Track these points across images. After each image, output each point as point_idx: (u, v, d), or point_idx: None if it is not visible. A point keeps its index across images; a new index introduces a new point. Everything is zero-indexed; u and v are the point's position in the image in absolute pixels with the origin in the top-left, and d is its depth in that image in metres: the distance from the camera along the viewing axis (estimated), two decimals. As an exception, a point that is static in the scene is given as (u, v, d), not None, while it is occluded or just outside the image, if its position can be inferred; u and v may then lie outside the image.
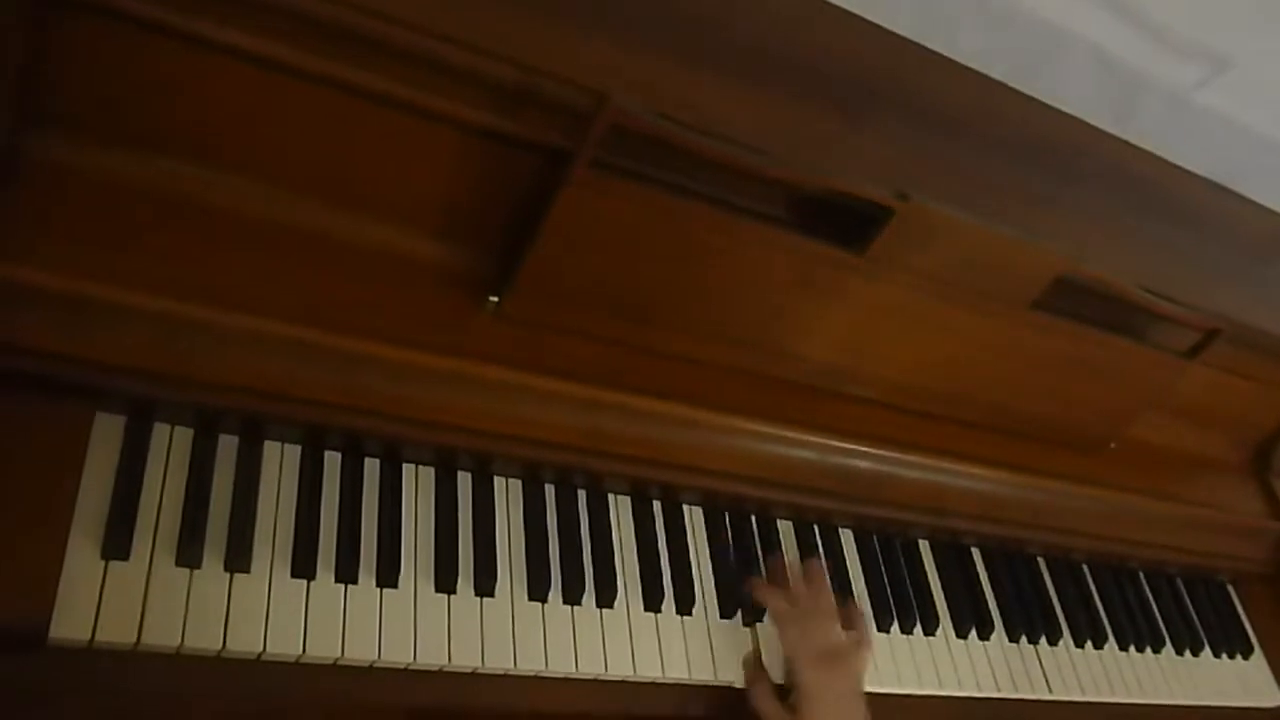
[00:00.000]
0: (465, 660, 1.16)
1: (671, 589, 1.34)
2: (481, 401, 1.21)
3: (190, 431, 1.15)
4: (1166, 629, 1.77)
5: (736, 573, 1.39)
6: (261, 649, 1.07)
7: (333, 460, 1.21)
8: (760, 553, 1.44)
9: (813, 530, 1.50)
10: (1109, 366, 1.56)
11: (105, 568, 1.04)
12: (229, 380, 1.09)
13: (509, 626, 1.21)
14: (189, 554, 1.07)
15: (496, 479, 1.30)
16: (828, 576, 1.44)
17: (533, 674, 1.21)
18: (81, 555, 1.03)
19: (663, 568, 1.35)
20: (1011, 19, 1.54)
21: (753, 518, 1.46)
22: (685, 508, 1.42)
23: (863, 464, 1.46)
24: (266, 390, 1.10)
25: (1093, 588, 1.75)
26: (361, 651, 1.12)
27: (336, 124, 1.13)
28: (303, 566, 1.13)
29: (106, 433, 1.09)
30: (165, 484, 1.11)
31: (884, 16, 1.42)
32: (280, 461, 1.19)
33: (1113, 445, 1.68)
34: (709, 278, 1.28)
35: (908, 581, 1.54)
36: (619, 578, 1.31)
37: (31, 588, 0.98)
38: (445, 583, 1.19)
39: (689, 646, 1.31)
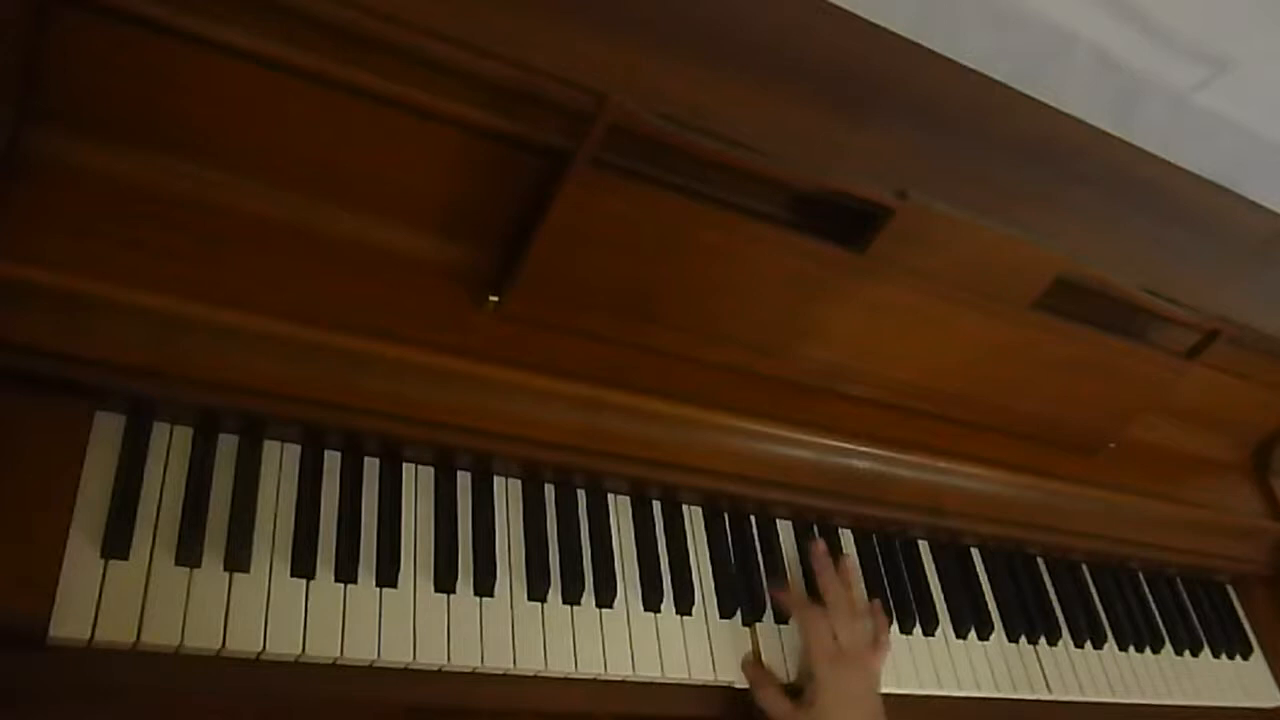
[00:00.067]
0: (464, 660, 1.16)
1: (671, 589, 1.34)
2: (481, 400, 1.21)
3: (190, 430, 1.15)
4: (1166, 629, 1.77)
5: (736, 573, 1.39)
6: (261, 648, 1.07)
7: (332, 459, 1.21)
8: (759, 553, 1.44)
9: (812, 530, 1.50)
10: (1109, 367, 1.56)
11: (105, 567, 1.04)
12: (229, 379, 1.09)
13: (508, 626, 1.21)
14: (189, 553, 1.07)
15: (496, 478, 1.30)
16: (860, 574, 1.46)
17: (532, 674, 1.20)
18: (81, 554, 1.03)
19: (662, 568, 1.35)
20: (1013, 20, 1.54)
21: (752, 518, 1.46)
22: (685, 508, 1.42)
23: (862, 464, 1.46)
24: (266, 389, 1.11)
25: (1092, 588, 1.75)
26: (361, 651, 1.11)
27: (337, 123, 1.13)
28: (302, 566, 1.13)
29: (106, 432, 1.09)
30: (165, 483, 1.11)
31: (885, 17, 1.42)
32: (280, 461, 1.18)
33: (1112, 445, 1.68)
34: (709, 277, 1.28)
35: (907, 581, 1.54)
36: (618, 578, 1.31)
37: (31, 587, 0.98)
38: (445, 582, 1.19)
39: (688, 646, 1.31)
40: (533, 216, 1.20)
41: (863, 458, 1.46)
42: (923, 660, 1.47)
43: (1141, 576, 1.84)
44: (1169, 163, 1.68)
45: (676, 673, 1.28)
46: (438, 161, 1.18)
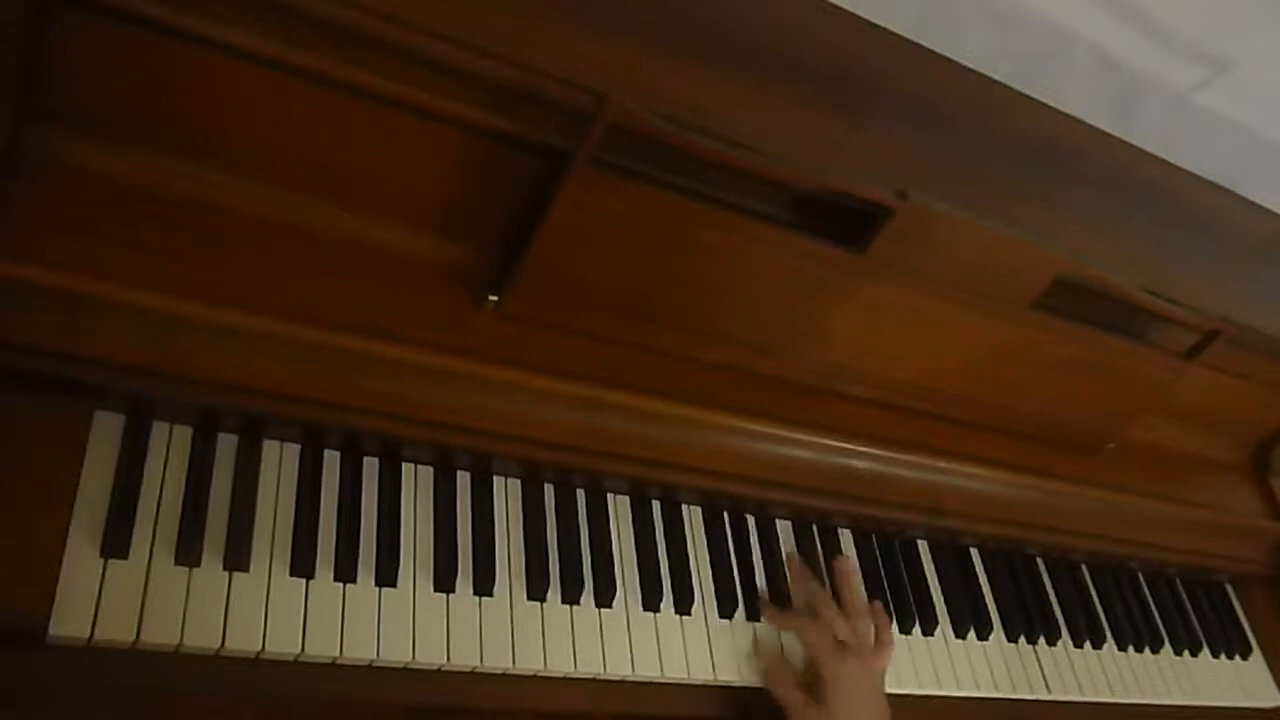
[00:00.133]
0: (464, 659, 1.16)
1: (670, 589, 1.34)
2: (481, 400, 1.21)
3: (189, 430, 1.15)
4: (1165, 629, 1.77)
5: (735, 573, 1.39)
6: (260, 647, 1.07)
7: (332, 459, 1.21)
8: (759, 553, 1.44)
9: (811, 530, 1.50)
10: (1108, 367, 1.56)
11: (104, 566, 1.04)
12: (229, 379, 1.09)
13: (508, 626, 1.21)
14: (188, 552, 1.07)
15: (496, 478, 1.30)
16: (860, 575, 1.47)
17: (531, 673, 1.21)
18: (81, 553, 1.03)
19: (661, 568, 1.35)
20: (1013, 20, 1.54)
21: (751, 518, 1.46)
22: (684, 508, 1.42)
23: (861, 464, 1.46)
24: (266, 389, 1.10)
25: (1091, 588, 1.75)
26: (360, 650, 1.11)
27: (337, 123, 1.13)
28: (302, 565, 1.13)
29: (106, 431, 1.09)
30: (164, 482, 1.11)
31: (885, 17, 1.42)
32: (279, 460, 1.18)
33: (1112, 445, 1.68)
34: (709, 277, 1.28)
35: (906, 581, 1.54)
36: (618, 578, 1.31)
37: (31, 586, 0.98)
38: (444, 582, 1.19)
39: (687, 646, 1.31)
40: (533, 216, 1.20)
41: (862, 458, 1.46)
42: (922, 660, 1.47)
43: (1141, 576, 1.84)
44: (1169, 163, 1.68)
45: (676, 673, 1.28)
46: (438, 161, 1.18)
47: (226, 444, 1.16)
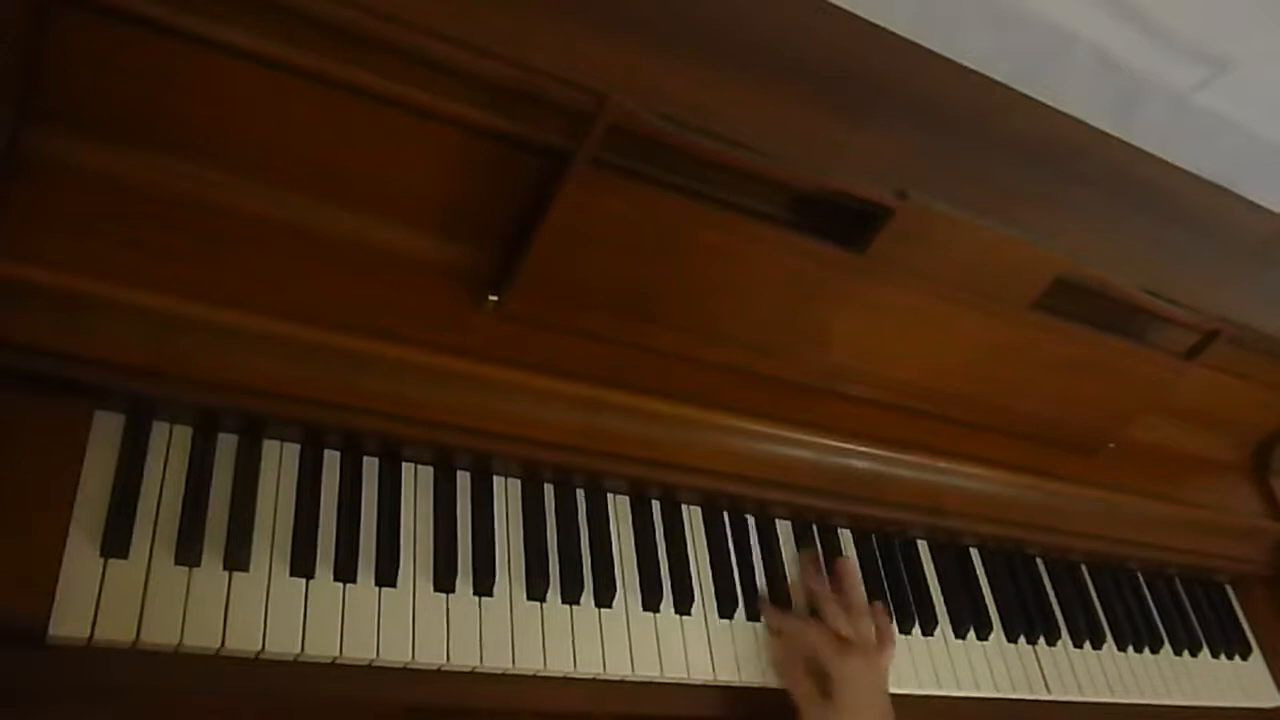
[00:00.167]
0: (464, 659, 1.16)
1: (670, 589, 1.34)
2: (481, 400, 1.21)
3: (189, 430, 1.15)
4: (1165, 629, 1.77)
5: (735, 573, 1.39)
6: (260, 647, 1.07)
7: (332, 459, 1.21)
8: (759, 553, 1.44)
9: (811, 530, 1.50)
10: (1108, 367, 1.56)
11: (104, 566, 1.04)
12: (229, 379, 1.09)
13: (508, 626, 1.21)
14: (188, 552, 1.07)
15: (495, 478, 1.30)
16: (860, 574, 1.47)
17: (531, 673, 1.21)
18: (81, 553, 1.03)
19: (661, 568, 1.35)
20: (1013, 20, 1.54)
21: (751, 518, 1.46)
22: (684, 507, 1.42)
23: (861, 464, 1.46)
24: (266, 389, 1.11)
25: (1091, 588, 1.75)
26: (360, 650, 1.11)
27: (337, 123, 1.13)
28: (302, 565, 1.13)
29: (106, 431, 1.09)
30: (164, 482, 1.11)
31: (885, 17, 1.42)
32: (279, 460, 1.18)
33: (1112, 446, 1.68)
34: (709, 277, 1.28)
35: (906, 581, 1.54)
36: (617, 578, 1.31)
37: (31, 586, 0.98)
38: (444, 582, 1.19)
39: (687, 646, 1.31)
40: (533, 216, 1.20)
41: (862, 458, 1.46)
42: (921, 660, 1.47)
43: (1141, 577, 1.84)
44: (1168, 163, 1.68)
45: (675, 673, 1.29)
46: (438, 161, 1.18)
47: (226, 444, 1.16)
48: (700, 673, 1.30)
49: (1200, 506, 1.81)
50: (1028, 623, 1.61)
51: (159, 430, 1.13)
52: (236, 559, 1.09)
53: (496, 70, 1.12)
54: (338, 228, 1.18)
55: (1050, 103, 1.56)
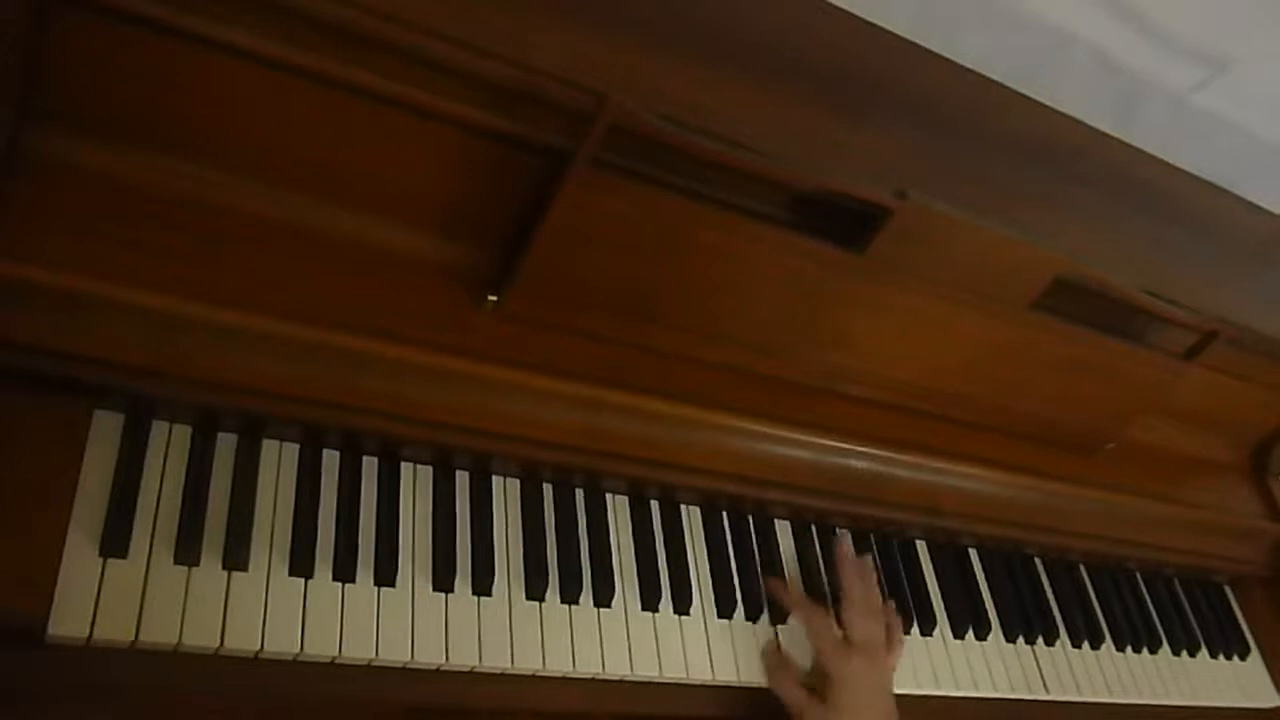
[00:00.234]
0: (462, 659, 1.16)
1: (669, 589, 1.34)
2: (480, 400, 1.21)
3: (189, 429, 1.15)
4: (1164, 630, 1.78)
5: (734, 573, 1.39)
6: (259, 647, 1.07)
7: (331, 458, 1.21)
8: (758, 553, 1.44)
9: (810, 530, 1.51)
10: (1107, 368, 1.56)
11: (103, 565, 1.04)
12: (228, 378, 1.09)
13: (506, 626, 1.21)
14: (187, 552, 1.07)
15: (494, 478, 1.30)
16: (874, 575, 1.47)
17: (530, 673, 1.21)
18: (80, 553, 1.03)
19: (660, 568, 1.35)
20: (1012, 20, 1.54)
21: (750, 518, 1.46)
22: (683, 507, 1.42)
23: (860, 464, 1.46)
24: (266, 389, 1.10)
25: (1090, 588, 1.75)
26: (359, 650, 1.11)
27: (337, 123, 1.13)
28: (301, 565, 1.13)
29: (105, 430, 1.09)
30: (164, 481, 1.11)
31: (885, 18, 1.42)
32: (278, 460, 1.18)
33: (1111, 446, 1.69)
34: (708, 277, 1.28)
35: (905, 581, 1.54)
36: (616, 577, 1.31)
37: (30, 585, 0.98)
38: (443, 581, 1.19)
39: (686, 646, 1.31)
40: (533, 216, 1.20)
41: (860, 458, 1.46)
42: (920, 660, 1.47)
43: (1139, 577, 1.84)
44: (1168, 163, 1.68)
45: (674, 672, 1.29)
46: (438, 161, 1.18)
47: (226, 443, 1.16)
48: (699, 673, 1.30)
49: (1199, 507, 1.81)
50: (1026, 623, 1.61)
51: (158, 430, 1.13)
52: (236, 558, 1.09)
53: (496, 70, 1.12)
54: (338, 228, 1.18)
55: (1049, 103, 1.57)
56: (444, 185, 1.20)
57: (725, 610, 1.36)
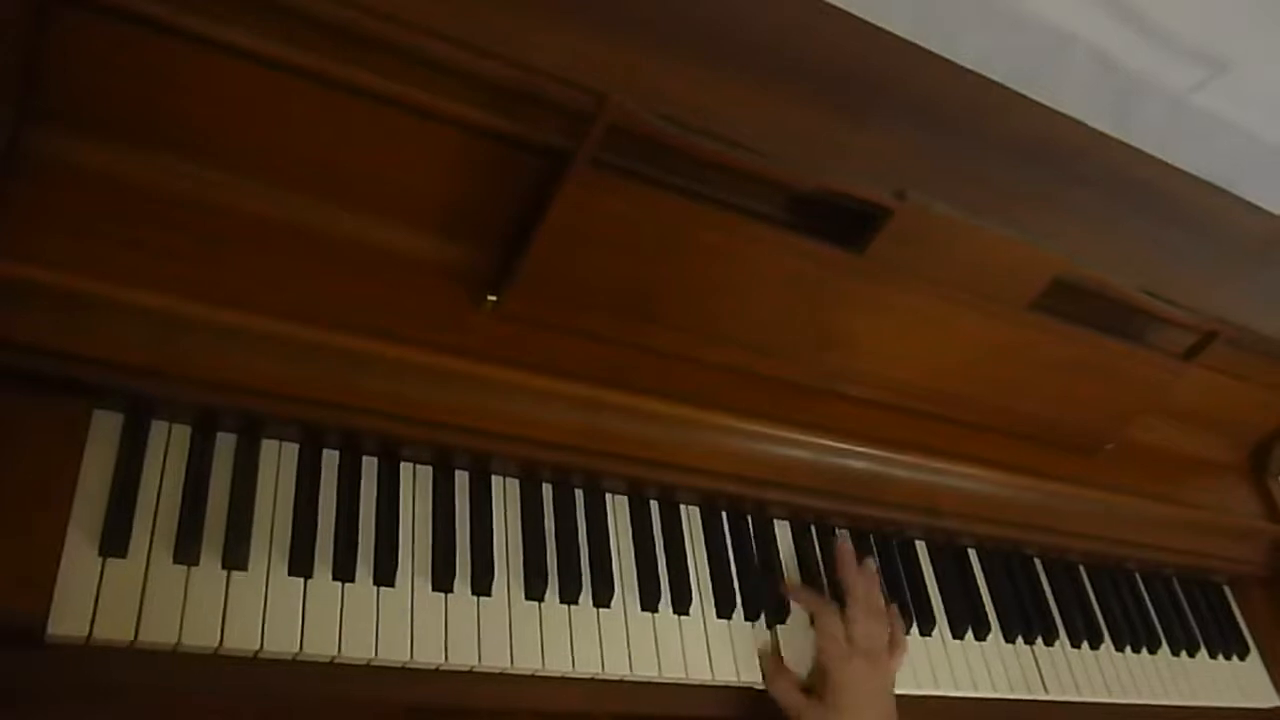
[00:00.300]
0: (462, 659, 1.16)
1: (668, 589, 1.34)
2: (479, 400, 1.21)
3: (188, 429, 1.15)
4: (1163, 630, 1.78)
5: (733, 573, 1.39)
6: (259, 646, 1.07)
7: (330, 458, 1.21)
8: (757, 553, 1.44)
9: (809, 530, 1.51)
10: (1106, 368, 1.56)
11: (103, 565, 1.04)
12: (228, 378, 1.09)
13: (506, 625, 1.21)
14: (187, 551, 1.07)
15: (494, 478, 1.30)
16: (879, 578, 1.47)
17: (529, 673, 1.21)
18: (79, 552, 1.03)
19: (659, 568, 1.35)
20: (1012, 21, 1.54)
21: (749, 518, 1.46)
22: (682, 508, 1.42)
23: (859, 464, 1.46)
24: (265, 388, 1.11)
25: (1089, 589, 1.75)
26: (358, 650, 1.11)
27: (337, 123, 1.13)
28: (300, 564, 1.13)
29: (104, 430, 1.09)
30: (163, 481, 1.11)
31: (885, 18, 1.42)
32: (278, 459, 1.18)
33: (1110, 446, 1.69)
34: (708, 277, 1.28)
35: (904, 582, 1.54)
36: (616, 577, 1.31)
37: (29, 585, 0.98)
38: (442, 581, 1.19)
39: (685, 646, 1.31)
40: (532, 216, 1.20)
41: (859, 458, 1.46)
42: (919, 660, 1.47)
43: (1138, 577, 1.84)
44: (1167, 164, 1.68)
45: (673, 673, 1.29)
46: (438, 161, 1.18)
47: (225, 443, 1.16)
48: (698, 672, 1.30)
49: (1198, 507, 1.82)
50: (1025, 623, 1.61)
51: (158, 429, 1.13)
52: (235, 558, 1.09)
53: (496, 70, 1.12)
54: (338, 228, 1.18)
55: (1048, 103, 1.56)
56: (444, 185, 1.20)
57: (724, 610, 1.36)
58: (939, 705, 1.47)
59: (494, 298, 1.23)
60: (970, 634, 1.55)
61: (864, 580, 1.43)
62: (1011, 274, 1.39)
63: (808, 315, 1.36)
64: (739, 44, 1.33)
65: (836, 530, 1.53)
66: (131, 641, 1.02)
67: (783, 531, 1.49)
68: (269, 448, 1.18)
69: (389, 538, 1.19)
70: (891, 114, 1.42)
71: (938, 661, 1.49)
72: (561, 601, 1.26)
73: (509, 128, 1.16)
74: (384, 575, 1.16)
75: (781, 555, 1.46)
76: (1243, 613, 1.94)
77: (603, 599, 1.28)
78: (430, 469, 1.27)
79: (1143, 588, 1.83)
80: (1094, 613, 1.72)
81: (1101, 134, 1.62)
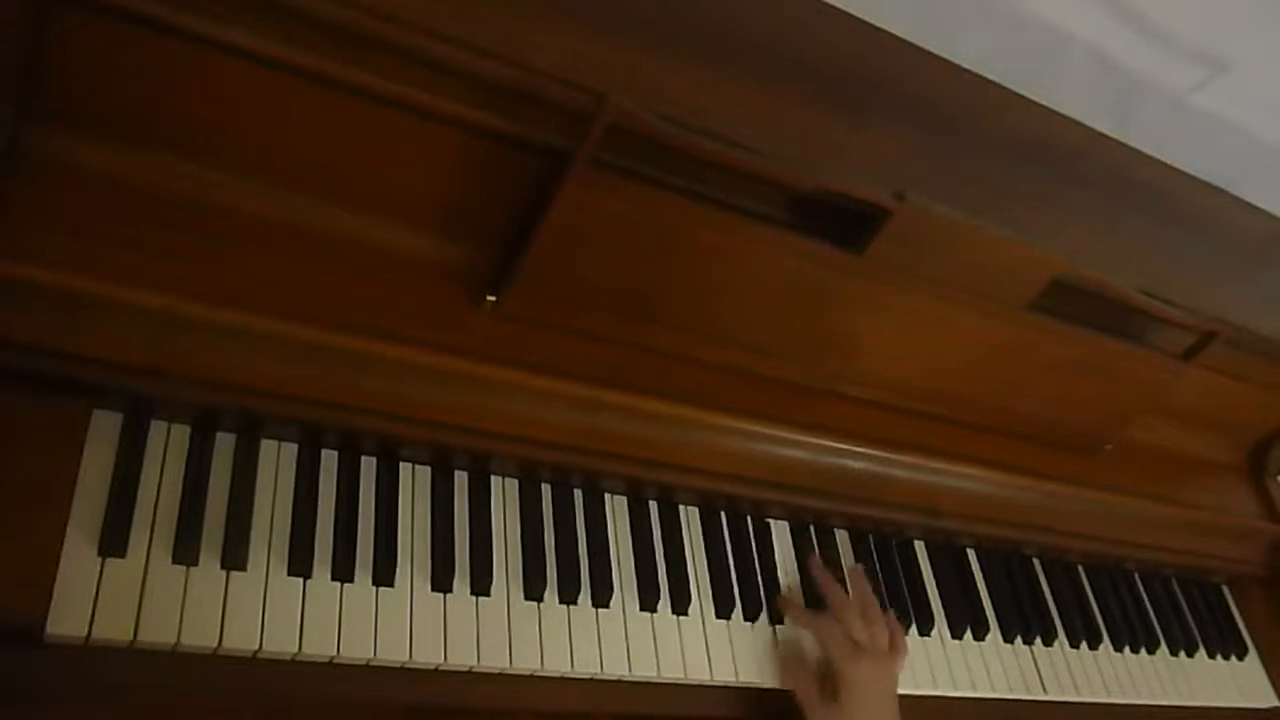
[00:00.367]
0: (461, 659, 1.16)
1: (667, 589, 1.34)
2: (479, 400, 1.21)
3: (187, 429, 1.15)
4: (1161, 630, 1.78)
5: (732, 573, 1.40)
6: (258, 647, 1.07)
7: (329, 458, 1.21)
8: (756, 553, 1.44)
9: (808, 531, 1.51)
10: (1105, 368, 1.56)
11: (102, 565, 1.04)
12: (228, 378, 1.09)
13: (505, 626, 1.21)
14: (186, 551, 1.07)
15: (493, 478, 1.30)
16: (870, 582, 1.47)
17: (528, 673, 1.21)
18: (78, 552, 1.03)
19: (658, 568, 1.35)
20: (1011, 21, 1.54)
21: (748, 518, 1.46)
22: (681, 508, 1.42)
23: (857, 464, 1.46)
24: (265, 388, 1.11)
25: (1088, 589, 1.75)
26: (357, 650, 1.11)
27: (337, 123, 1.13)
28: (299, 564, 1.13)
29: (104, 429, 1.09)
30: (162, 481, 1.11)
31: (884, 18, 1.42)
32: (277, 459, 1.18)
33: (1109, 447, 1.69)
34: (708, 277, 1.28)
35: (903, 582, 1.54)
36: (615, 577, 1.31)
37: (28, 585, 0.98)
38: (441, 582, 1.19)
39: (684, 646, 1.31)
40: (532, 216, 1.20)
41: (858, 458, 1.46)
42: (918, 660, 1.47)
43: (1137, 577, 1.84)
44: (1166, 164, 1.68)
45: (673, 673, 1.29)
46: (438, 161, 1.18)
47: (224, 443, 1.16)
48: (697, 673, 1.30)
49: (1197, 507, 1.82)
50: (1024, 623, 1.61)
51: (157, 429, 1.13)
52: (234, 558, 1.09)
53: (496, 70, 1.12)
54: (338, 228, 1.18)
55: (1047, 104, 1.57)
56: (444, 185, 1.20)
57: (723, 610, 1.36)
58: (937, 705, 1.47)
59: (494, 298, 1.23)
60: (969, 634, 1.55)
61: (855, 586, 1.44)
62: (1010, 274, 1.39)
63: (807, 315, 1.36)
64: (739, 44, 1.34)
65: (835, 530, 1.53)
66: (131, 641, 1.02)
67: (781, 531, 1.49)
68: (268, 448, 1.18)
69: (388, 538, 1.19)
70: (890, 114, 1.42)
71: (936, 661, 1.49)
72: (560, 602, 1.26)
73: (509, 128, 1.15)
74: (383, 575, 1.16)
75: (780, 556, 1.46)
76: (1241, 613, 1.94)
77: (602, 599, 1.28)
78: (429, 469, 1.27)
79: (1141, 588, 1.83)
80: (1093, 613, 1.72)
81: (1100, 134, 1.62)
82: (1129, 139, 1.64)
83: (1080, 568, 1.77)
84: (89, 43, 1.02)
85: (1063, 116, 1.58)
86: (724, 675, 1.32)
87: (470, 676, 1.18)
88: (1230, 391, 1.81)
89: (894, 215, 1.28)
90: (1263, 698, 1.84)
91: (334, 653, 1.10)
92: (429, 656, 1.15)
